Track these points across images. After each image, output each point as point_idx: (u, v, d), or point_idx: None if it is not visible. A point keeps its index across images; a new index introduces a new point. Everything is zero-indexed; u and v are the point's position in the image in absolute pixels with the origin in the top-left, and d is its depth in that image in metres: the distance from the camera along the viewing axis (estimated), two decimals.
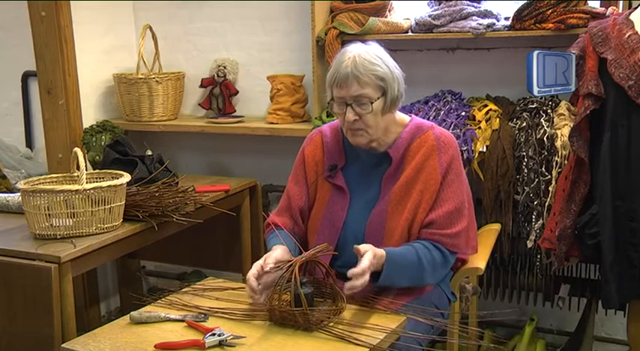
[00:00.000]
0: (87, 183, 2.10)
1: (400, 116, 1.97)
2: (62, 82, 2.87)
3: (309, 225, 1.99)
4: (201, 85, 3.16)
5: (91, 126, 3.00)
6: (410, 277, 1.81)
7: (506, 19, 2.56)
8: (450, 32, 2.54)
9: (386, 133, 1.91)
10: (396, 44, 2.56)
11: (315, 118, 2.75)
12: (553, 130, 2.35)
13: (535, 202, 2.37)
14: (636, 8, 2.08)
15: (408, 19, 2.75)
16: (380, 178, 1.92)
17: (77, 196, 2.08)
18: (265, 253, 1.84)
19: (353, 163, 1.97)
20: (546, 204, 2.34)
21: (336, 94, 1.84)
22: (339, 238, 1.91)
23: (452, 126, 2.42)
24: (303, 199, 2.00)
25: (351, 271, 1.63)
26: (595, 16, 2.33)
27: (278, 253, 1.79)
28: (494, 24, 2.51)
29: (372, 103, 1.81)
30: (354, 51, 1.83)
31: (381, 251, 1.73)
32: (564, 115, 2.37)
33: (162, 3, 3.24)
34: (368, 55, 1.82)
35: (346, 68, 1.80)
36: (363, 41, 1.90)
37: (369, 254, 1.67)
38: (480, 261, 2.05)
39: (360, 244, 1.72)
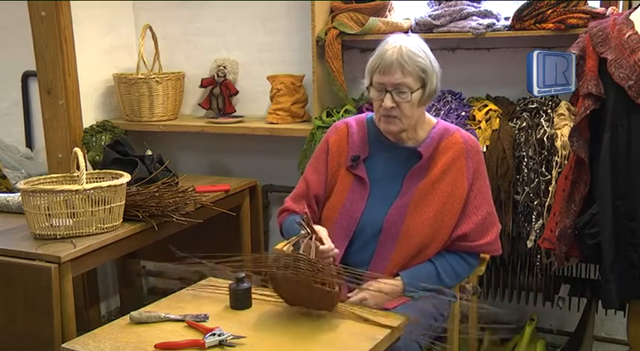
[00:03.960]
0: (87, 183, 2.10)
1: (429, 116, 2.01)
2: (62, 82, 2.87)
3: (325, 214, 1.99)
4: (201, 85, 3.16)
5: (91, 126, 3.00)
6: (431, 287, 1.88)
7: (506, 19, 2.56)
8: (450, 32, 2.54)
9: (416, 129, 1.94)
10: None
11: (315, 118, 2.74)
12: (553, 130, 2.35)
13: (535, 202, 2.37)
14: (636, 8, 2.08)
15: (408, 19, 2.74)
16: (404, 174, 1.94)
17: (77, 196, 2.08)
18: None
19: (377, 156, 1.99)
20: (546, 204, 2.34)
21: (377, 80, 1.87)
22: (357, 229, 1.93)
23: None
24: (321, 188, 2.01)
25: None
26: (595, 16, 2.33)
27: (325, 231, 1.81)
28: (494, 24, 2.51)
29: (412, 92, 1.85)
30: (399, 41, 1.87)
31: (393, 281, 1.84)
32: (564, 115, 2.37)
33: (162, 3, 3.24)
34: (412, 46, 1.86)
35: (392, 56, 1.83)
36: (406, 33, 1.93)
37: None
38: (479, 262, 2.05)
39: (376, 234, 1.87)
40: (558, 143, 2.31)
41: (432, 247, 1.89)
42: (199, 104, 3.20)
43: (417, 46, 1.87)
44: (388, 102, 1.85)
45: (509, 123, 2.46)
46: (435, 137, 1.94)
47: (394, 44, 1.86)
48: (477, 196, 1.92)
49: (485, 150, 2.42)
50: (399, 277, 1.86)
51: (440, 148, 1.93)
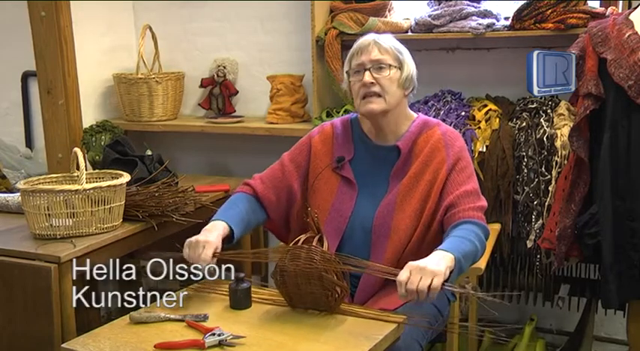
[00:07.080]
0: (87, 183, 2.10)
1: (409, 111, 2.01)
2: (62, 82, 2.87)
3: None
4: (201, 85, 3.16)
5: (91, 126, 3.00)
6: (472, 261, 1.78)
7: (506, 19, 2.56)
8: (449, 32, 2.54)
9: (397, 123, 1.95)
10: None
11: (315, 118, 2.75)
12: (553, 130, 2.35)
13: (535, 202, 2.37)
14: (636, 8, 2.08)
15: (407, 19, 2.75)
16: (388, 172, 1.94)
17: (77, 196, 2.08)
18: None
19: (361, 156, 1.99)
20: (546, 204, 2.34)
21: (355, 62, 1.92)
22: (347, 229, 1.92)
23: (452, 126, 2.42)
24: (297, 182, 2.02)
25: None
26: (595, 16, 2.34)
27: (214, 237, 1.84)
28: (494, 24, 2.51)
29: (390, 68, 1.88)
30: (374, 35, 1.95)
31: (443, 253, 1.66)
32: (564, 115, 2.37)
33: (162, 3, 3.24)
34: (387, 36, 1.96)
35: (368, 38, 1.92)
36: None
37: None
38: (479, 261, 2.05)
39: (367, 234, 1.85)
40: (558, 143, 2.32)
41: (427, 239, 1.88)
42: (199, 104, 3.20)
43: (391, 38, 1.96)
44: (367, 78, 1.87)
45: (509, 123, 2.46)
46: (414, 131, 1.95)
47: (369, 36, 1.94)
48: (461, 173, 1.88)
49: (485, 150, 2.43)
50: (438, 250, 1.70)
51: (419, 141, 1.93)
